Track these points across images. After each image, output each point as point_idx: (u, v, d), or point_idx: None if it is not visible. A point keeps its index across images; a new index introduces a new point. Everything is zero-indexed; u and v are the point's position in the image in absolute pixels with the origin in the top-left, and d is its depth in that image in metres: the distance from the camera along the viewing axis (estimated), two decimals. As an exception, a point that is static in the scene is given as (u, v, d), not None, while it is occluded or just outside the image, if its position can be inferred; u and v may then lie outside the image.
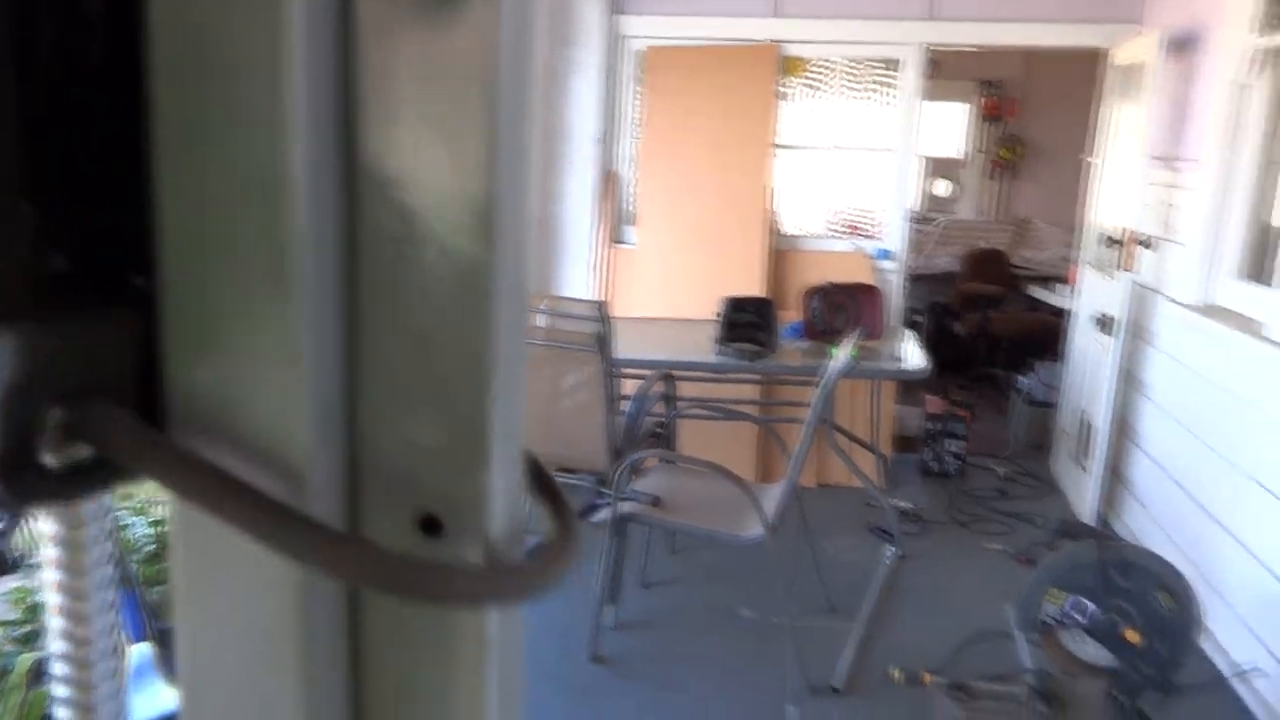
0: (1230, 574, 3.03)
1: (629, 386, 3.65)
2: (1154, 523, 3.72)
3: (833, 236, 4.85)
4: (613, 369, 3.18)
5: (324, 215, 0.30)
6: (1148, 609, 2.50)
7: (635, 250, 4.72)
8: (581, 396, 3.22)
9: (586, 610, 3.10)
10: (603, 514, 3.06)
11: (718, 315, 3.84)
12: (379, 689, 0.34)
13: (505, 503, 0.33)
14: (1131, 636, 2.51)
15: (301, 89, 0.28)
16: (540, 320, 3.30)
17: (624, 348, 3.37)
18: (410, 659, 0.34)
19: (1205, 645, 3.03)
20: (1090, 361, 4.41)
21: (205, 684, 0.33)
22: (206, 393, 0.31)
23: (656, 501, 3.02)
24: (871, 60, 4.67)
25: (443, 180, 0.30)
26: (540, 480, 0.36)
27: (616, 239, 4.77)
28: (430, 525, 0.32)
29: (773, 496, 2.98)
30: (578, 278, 4.77)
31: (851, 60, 4.68)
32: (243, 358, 0.31)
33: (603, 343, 3.08)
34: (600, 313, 3.06)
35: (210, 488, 0.28)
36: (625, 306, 4.51)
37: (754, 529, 2.86)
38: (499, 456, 0.31)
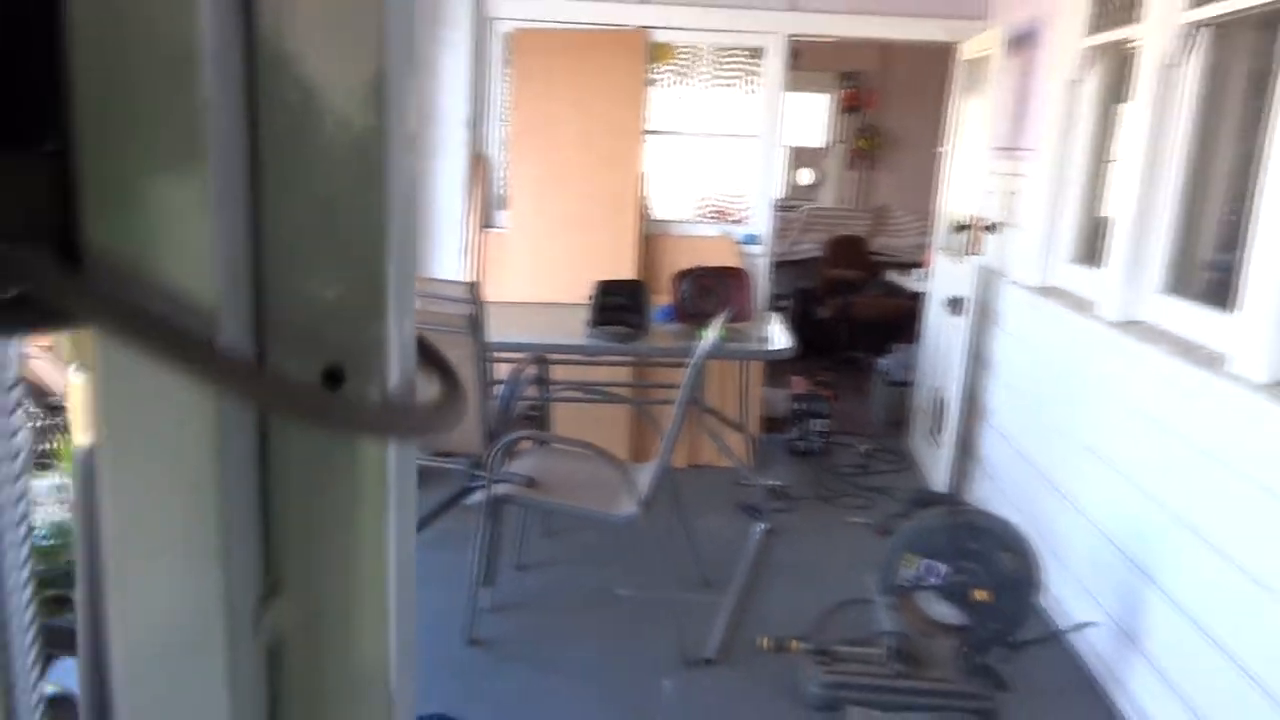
0: (1067, 536, 3.27)
1: (502, 370, 3.64)
2: (1000, 492, 3.97)
3: (702, 221, 4.95)
4: (485, 352, 3.17)
5: (228, 86, 0.32)
6: (994, 569, 2.67)
7: (507, 234, 4.70)
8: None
9: (462, 594, 3.09)
10: (477, 496, 3.05)
11: (590, 298, 3.87)
12: (289, 515, 0.36)
13: (400, 352, 0.35)
14: (980, 595, 2.68)
15: None
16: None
17: (496, 331, 3.36)
18: (318, 488, 0.36)
19: (1045, 603, 3.25)
20: (943, 342, 4.65)
21: (130, 511, 0.35)
22: (121, 246, 0.32)
23: (531, 483, 3.04)
24: (737, 49, 4.78)
25: (337, 56, 0.32)
26: (425, 351, 0.38)
27: (487, 223, 4.74)
28: (333, 378, 0.33)
29: (646, 475, 3.03)
30: (449, 261, 4.71)
31: (718, 48, 4.78)
32: (155, 216, 0.32)
33: (475, 325, 3.06)
34: (472, 295, 3.04)
35: (135, 323, 0.30)
36: (497, 290, 4.48)
37: (628, 507, 2.91)
38: (394, 310, 0.34)
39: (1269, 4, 2.47)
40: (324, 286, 0.34)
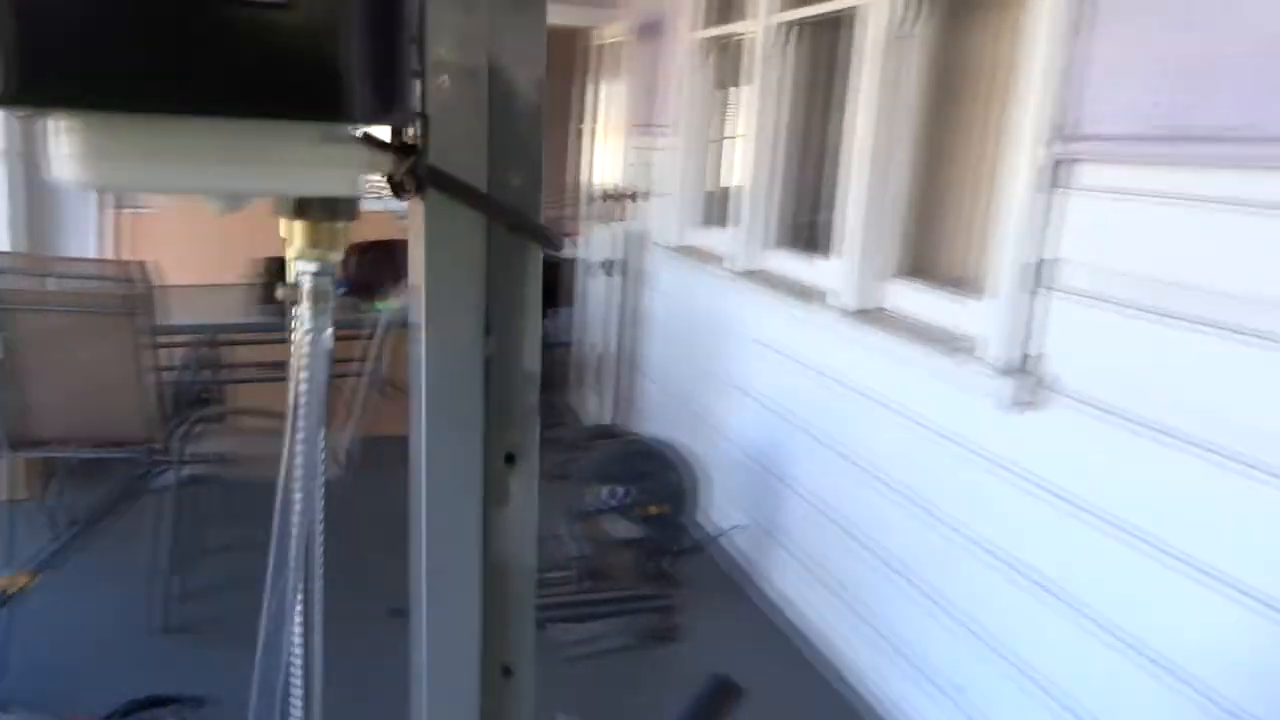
0: (717, 459, 3.82)
1: (166, 354, 3.50)
2: (659, 431, 4.49)
3: (367, 197, 4.98)
4: (153, 335, 3.06)
5: (482, 83, 0.62)
6: (665, 486, 3.12)
7: (156, 215, 4.44)
8: (117, 366, 3.06)
9: (144, 586, 3.01)
10: (165, 480, 2.97)
11: (258, 276, 3.82)
12: (495, 287, 0.68)
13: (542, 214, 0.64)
14: (654, 510, 3.12)
15: None
16: (53, 284, 3.06)
17: (159, 314, 3.24)
18: (510, 273, 0.67)
19: (702, 516, 3.79)
20: (600, 303, 5.11)
21: (439, 290, 0.67)
22: (440, 163, 0.61)
23: (223, 459, 3.01)
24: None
25: (522, 67, 0.64)
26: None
27: (123, 203, 4.44)
28: (519, 218, 0.61)
29: (342, 438, 3.13)
30: (83, 245, 4.36)
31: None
32: (455, 148, 0.63)
33: (140, 307, 2.95)
34: (142, 275, 2.94)
35: (455, 187, 0.61)
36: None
37: (330, 470, 2.99)
38: (541, 192, 0.61)
39: (841, 10, 3.09)
40: (515, 178, 0.65)
